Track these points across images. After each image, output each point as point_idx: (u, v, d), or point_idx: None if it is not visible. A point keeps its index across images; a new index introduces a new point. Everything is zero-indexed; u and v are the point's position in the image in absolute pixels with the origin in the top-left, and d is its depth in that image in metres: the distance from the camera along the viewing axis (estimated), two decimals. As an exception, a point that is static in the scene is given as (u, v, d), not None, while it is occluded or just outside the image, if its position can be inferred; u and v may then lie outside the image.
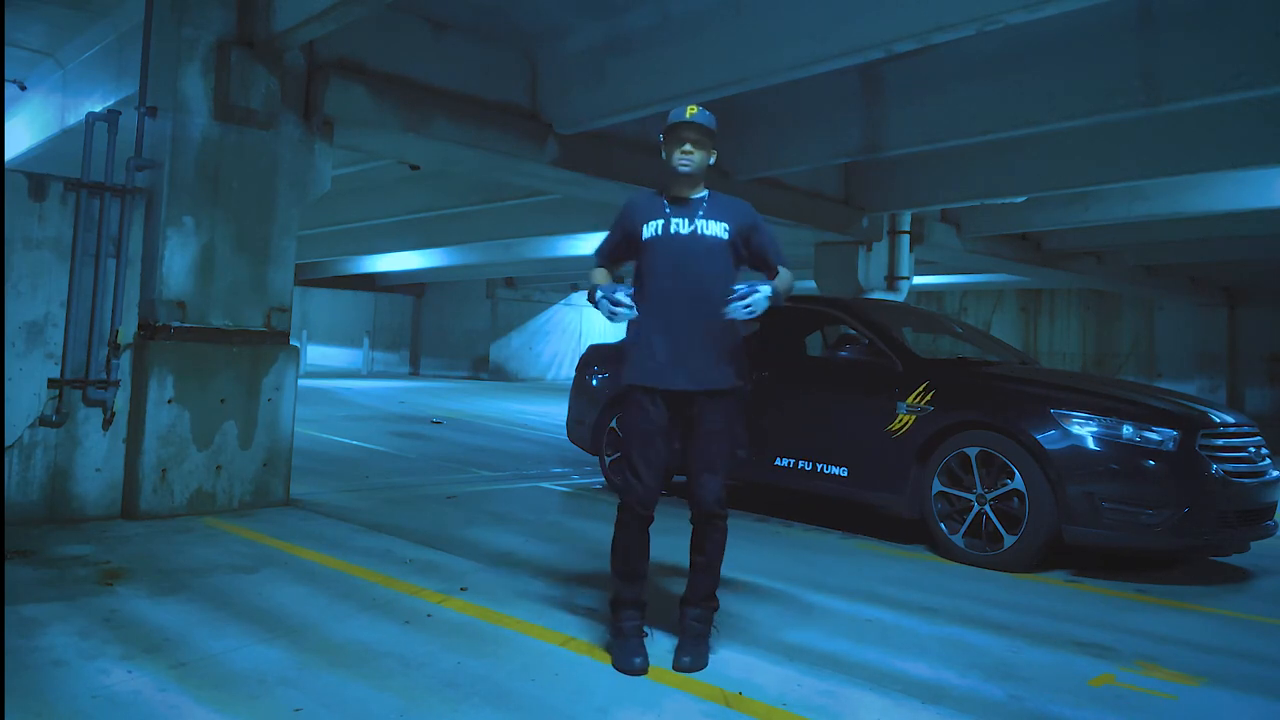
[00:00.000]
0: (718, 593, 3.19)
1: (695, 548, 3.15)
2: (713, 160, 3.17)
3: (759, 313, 2.90)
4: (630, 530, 3.07)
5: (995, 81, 6.35)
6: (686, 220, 3.10)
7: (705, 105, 3.20)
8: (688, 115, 3.10)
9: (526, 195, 11.35)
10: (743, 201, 3.24)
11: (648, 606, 3.14)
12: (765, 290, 2.90)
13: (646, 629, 3.12)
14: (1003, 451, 4.69)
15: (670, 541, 3.70)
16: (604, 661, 3.00)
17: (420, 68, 6.22)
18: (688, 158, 3.09)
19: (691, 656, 3.02)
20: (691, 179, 3.13)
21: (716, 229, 3.11)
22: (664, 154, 3.17)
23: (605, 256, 3.29)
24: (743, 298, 2.88)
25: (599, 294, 2.99)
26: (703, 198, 3.16)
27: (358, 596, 3.64)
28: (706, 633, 3.11)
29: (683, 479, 3.29)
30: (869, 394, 5.32)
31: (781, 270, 3.15)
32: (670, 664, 3.01)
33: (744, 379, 3.15)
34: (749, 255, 3.20)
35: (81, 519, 4.76)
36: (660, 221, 3.12)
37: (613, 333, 18.38)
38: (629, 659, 2.96)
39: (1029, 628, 3.68)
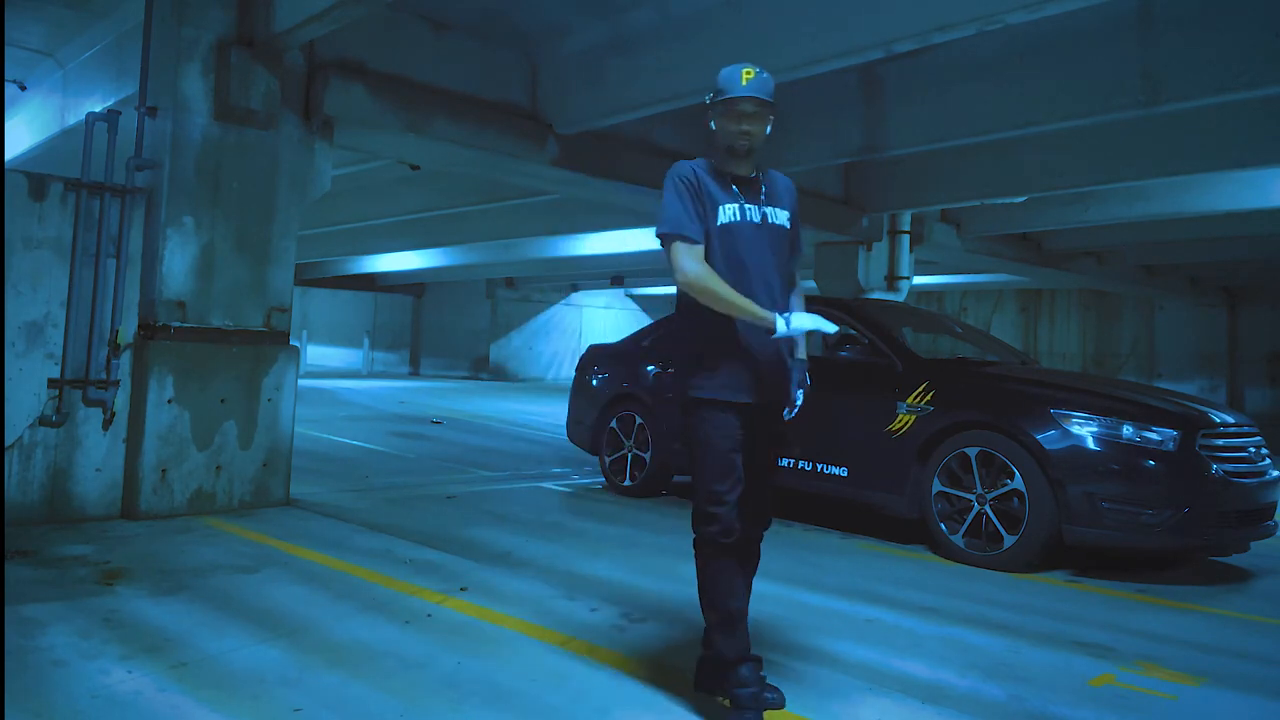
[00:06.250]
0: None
1: (749, 569, 2.75)
2: (769, 130, 2.69)
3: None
4: (720, 564, 2.62)
5: (995, 81, 6.34)
6: (756, 207, 2.68)
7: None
8: (743, 83, 2.59)
9: (526, 195, 11.34)
10: (789, 179, 2.88)
11: (761, 660, 2.69)
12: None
13: (773, 685, 2.66)
14: (1003, 451, 4.69)
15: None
16: (604, 661, 3.00)
17: (420, 68, 6.22)
18: (746, 136, 2.63)
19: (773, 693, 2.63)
20: (750, 158, 2.69)
21: (781, 217, 2.74)
22: (713, 125, 2.68)
23: (699, 234, 2.61)
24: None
25: (805, 325, 2.55)
26: (759, 177, 2.73)
27: (358, 596, 3.64)
28: None
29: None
30: (869, 394, 5.32)
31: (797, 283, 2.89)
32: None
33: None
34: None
35: (81, 519, 4.76)
36: (736, 205, 2.65)
37: (611, 333, 18.36)
38: None
39: (1029, 628, 3.68)
